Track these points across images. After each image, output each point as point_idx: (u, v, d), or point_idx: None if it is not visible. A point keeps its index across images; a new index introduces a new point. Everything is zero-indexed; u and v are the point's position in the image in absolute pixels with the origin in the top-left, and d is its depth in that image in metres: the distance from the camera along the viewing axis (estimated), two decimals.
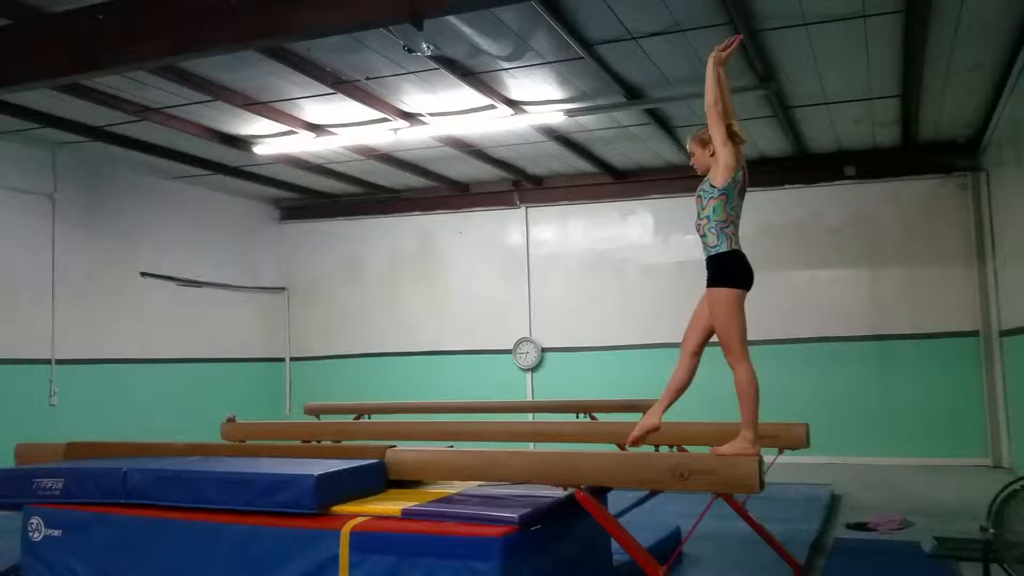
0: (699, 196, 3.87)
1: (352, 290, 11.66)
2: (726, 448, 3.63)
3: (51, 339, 8.72)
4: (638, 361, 10.30)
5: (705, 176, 3.88)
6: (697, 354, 3.95)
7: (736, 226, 3.82)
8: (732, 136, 3.85)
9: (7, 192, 8.42)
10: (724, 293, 3.75)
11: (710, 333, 3.88)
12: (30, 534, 3.91)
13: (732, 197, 3.79)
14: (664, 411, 3.92)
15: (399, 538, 3.16)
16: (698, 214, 3.85)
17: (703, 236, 3.82)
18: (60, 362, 8.78)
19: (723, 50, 4.02)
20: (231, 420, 6.70)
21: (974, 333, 9.19)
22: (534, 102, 7.67)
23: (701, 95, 7.47)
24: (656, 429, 3.92)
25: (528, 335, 10.94)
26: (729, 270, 3.77)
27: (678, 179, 10.27)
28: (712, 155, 3.86)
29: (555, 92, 7.42)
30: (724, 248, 3.76)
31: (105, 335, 9.33)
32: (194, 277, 10.52)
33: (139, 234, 9.89)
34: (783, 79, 7.16)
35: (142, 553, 3.66)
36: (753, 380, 3.75)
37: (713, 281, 3.79)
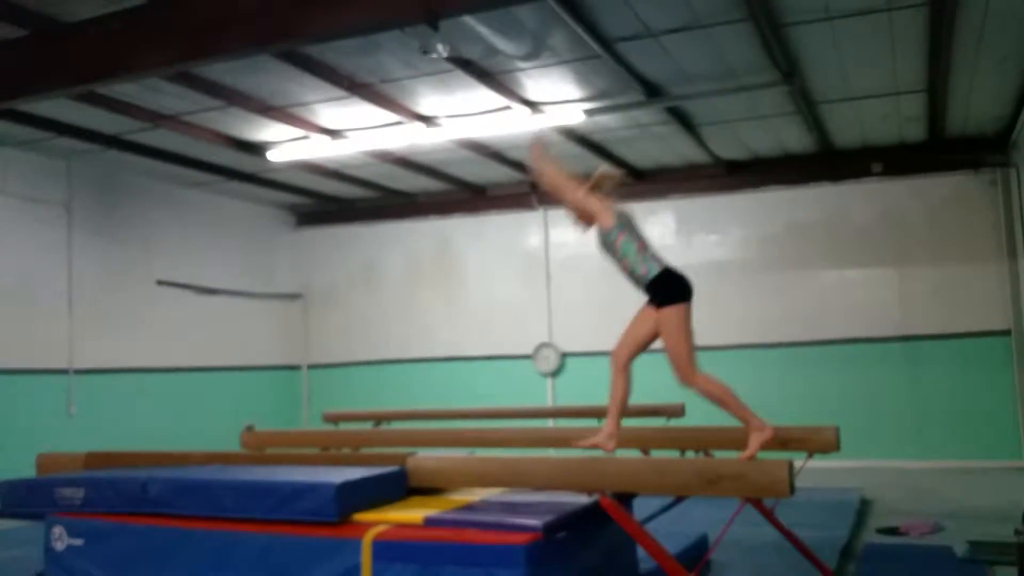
0: (603, 247, 4.02)
1: (369, 296, 11.62)
2: (749, 449, 3.65)
3: (68, 348, 8.73)
4: (660, 365, 10.10)
5: (594, 226, 4.02)
6: (628, 367, 4.13)
7: (651, 247, 3.97)
8: (598, 185, 4.02)
9: (23, 202, 8.45)
10: (673, 311, 3.86)
11: (642, 349, 4.05)
12: (53, 543, 3.93)
13: (628, 226, 3.95)
14: (617, 428, 4.07)
15: (422, 546, 3.11)
16: (617, 261, 3.99)
17: (632, 273, 3.96)
18: (78, 372, 8.79)
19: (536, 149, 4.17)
20: (250, 429, 6.66)
21: (1006, 332, 9.02)
22: (552, 102, 7.60)
23: (723, 92, 7.43)
24: (610, 450, 4.01)
25: (548, 340, 10.85)
26: (671, 288, 3.89)
27: (700, 178, 10.18)
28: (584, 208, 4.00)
29: (573, 91, 7.34)
30: (656, 271, 3.90)
31: (122, 344, 9.34)
32: (210, 285, 10.52)
33: (155, 242, 9.90)
34: (807, 75, 7.05)
35: (163, 562, 3.66)
36: (720, 383, 3.83)
37: (659, 301, 3.91)
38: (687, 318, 3.86)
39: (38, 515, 4.07)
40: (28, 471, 4.67)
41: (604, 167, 4.12)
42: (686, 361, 3.84)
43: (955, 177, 9.32)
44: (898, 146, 9.41)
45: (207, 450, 4.72)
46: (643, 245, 3.92)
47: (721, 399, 3.79)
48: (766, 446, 3.62)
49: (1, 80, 5.84)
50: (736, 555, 4.98)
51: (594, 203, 3.94)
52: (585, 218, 4.02)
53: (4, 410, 8.09)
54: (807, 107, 7.84)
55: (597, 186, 4.00)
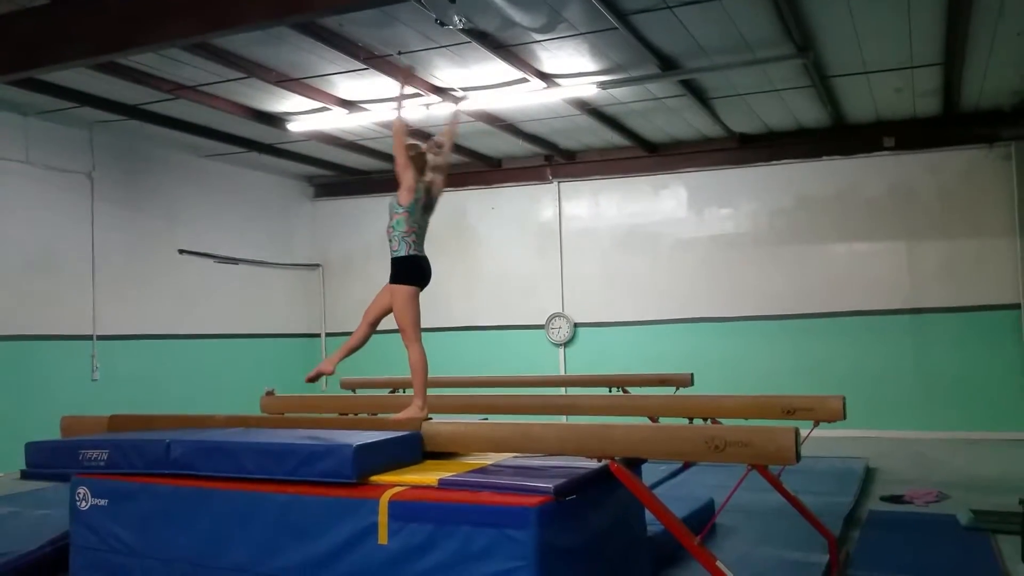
0: (389, 207, 4.54)
1: (385, 267, 11.61)
2: (401, 415, 4.26)
3: (92, 315, 8.90)
4: (671, 335, 10.28)
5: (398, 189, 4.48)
6: (374, 324, 4.67)
7: (419, 235, 4.52)
8: (421, 163, 4.51)
9: (47, 171, 8.57)
10: (401, 289, 4.46)
11: (384, 313, 4.60)
12: (78, 503, 4.00)
13: (415, 213, 4.48)
14: (339, 362, 4.67)
15: (436, 507, 3.19)
16: (388, 223, 4.53)
17: (389, 241, 4.52)
18: (101, 338, 8.96)
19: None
20: (270, 393, 6.80)
21: (1015, 306, 9.04)
22: (567, 75, 7.62)
23: (737, 65, 7.43)
24: (329, 374, 4.73)
25: (561, 310, 10.94)
26: (407, 272, 4.48)
27: (713, 151, 10.19)
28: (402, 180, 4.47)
29: (588, 64, 7.36)
30: (403, 253, 4.47)
31: (145, 311, 9.50)
32: (230, 254, 10.65)
33: (176, 212, 10.03)
34: (822, 48, 7.03)
35: (185, 521, 3.73)
36: (423, 359, 4.44)
37: (394, 279, 4.50)
38: (414, 298, 4.48)
39: (63, 476, 4.13)
40: (53, 434, 4.72)
41: (434, 139, 4.64)
42: (410, 330, 4.44)
43: (968, 152, 9.28)
44: (911, 120, 9.37)
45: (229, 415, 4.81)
46: (412, 231, 4.47)
47: (418, 371, 4.43)
48: (411, 424, 3.99)
49: (22, 49, 5.89)
50: (742, 519, 5.08)
51: (408, 178, 4.44)
52: (398, 184, 4.50)
53: (30, 375, 8.29)
54: (821, 80, 7.83)
55: (421, 158, 4.50)
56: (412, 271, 4.49)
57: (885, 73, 7.76)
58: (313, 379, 4.73)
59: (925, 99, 8.63)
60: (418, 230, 4.52)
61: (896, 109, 9.02)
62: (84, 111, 8.27)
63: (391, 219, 4.51)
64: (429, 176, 4.59)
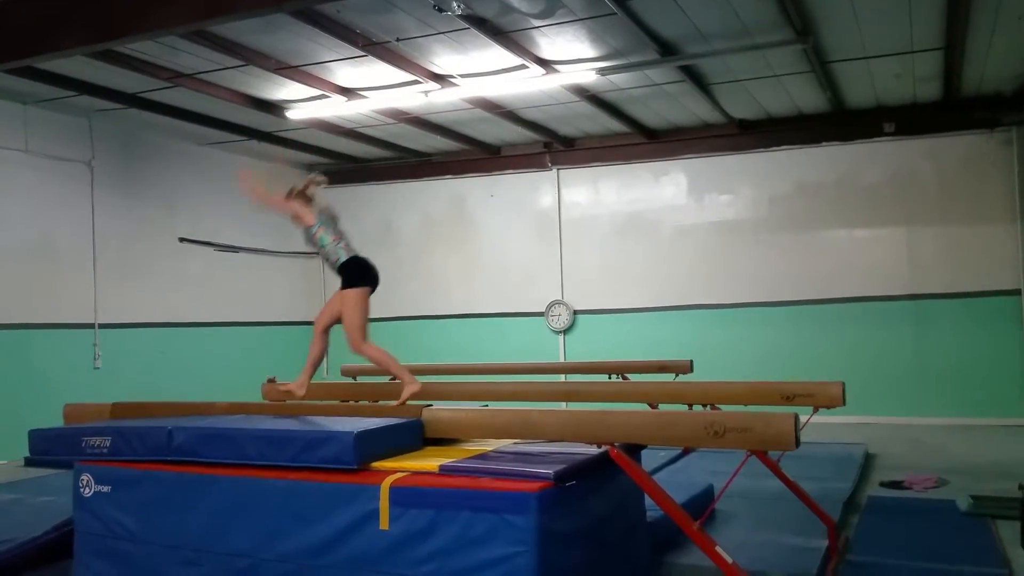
0: (307, 242, 4.79)
1: (385, 254, 11.54)
2: (401, 397, 4.49)
3: (93, 304, 8.92)
4: (670, 322, 10.29)
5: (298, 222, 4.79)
6: (327, 332, 4.82)
7: (347, 239, 4.74)
8: (305, 191, 4.82)
9: (46, 160, 8.57)
10: (353, 292, 4.62)
11: (335, 321, 4.74)
12: (81, 490, 4.01)
13: (327, 222, 4.72)
14: (308, 381, 4.88)
15: (437, 493, 3.21)
16: (318, 251, 4.75)
17: (328, 260, 4.72)
18: (103, 326, 8.98)
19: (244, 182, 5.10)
20: (271, 381, 6.81)
21: (1015, 292, 9.04)
22: (566, 61, 7.60)
23: (737, 51, 7.42)
24: (301, 397, 4.86)
25: (560, 297, 10.96)
26: (357, 274, 4.65)
27: (713, 138, 10.18)
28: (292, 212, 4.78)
29: (587, 50, 7.34)
30: (344, 258, 4.65)
31: (146, 299, 9.52)
32: (231, 242, 10.65)
33: (176, 200, 10.03)
34: (821, 33, 7.02)
35: (187, 508, 3.74)
36: (381, 351, 4.65)
37: (345, 284, 4.65)
38: (364, 299, 4.64)
39: (66, 463, 4.14)
40: (56, 422, 4.73)
41: (312, 175, 4.96)
42: (356, 334, 4.60)
43: (969, 137, 9.27)
44: (911, 105, 9.36)
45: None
46: (338, 237, 4.70)
47: (382, 362, 4.64)
48: (415, 397, 4.38)
49: (20, 37, 5.89)
50: (741, 505, 5.10)
51: (297, 206, 4.72)
52: (295, 219, 4.76)
53: (32, 363, 8.31)
54: (821, 66, 7.81)
55: (303, 193, 4.78)
56: (361, 272, 4.67)
57: (885, 58, 7.74)
58: (283, 396, 4.98)
59: (925, 84, 8.61)
60: (343, 234, 4.76)
61: (896, 94, 9.00)
62: (83, 99, 8.26)
63: (314, 243, 4.74)
64: (322, 203, 4.89)
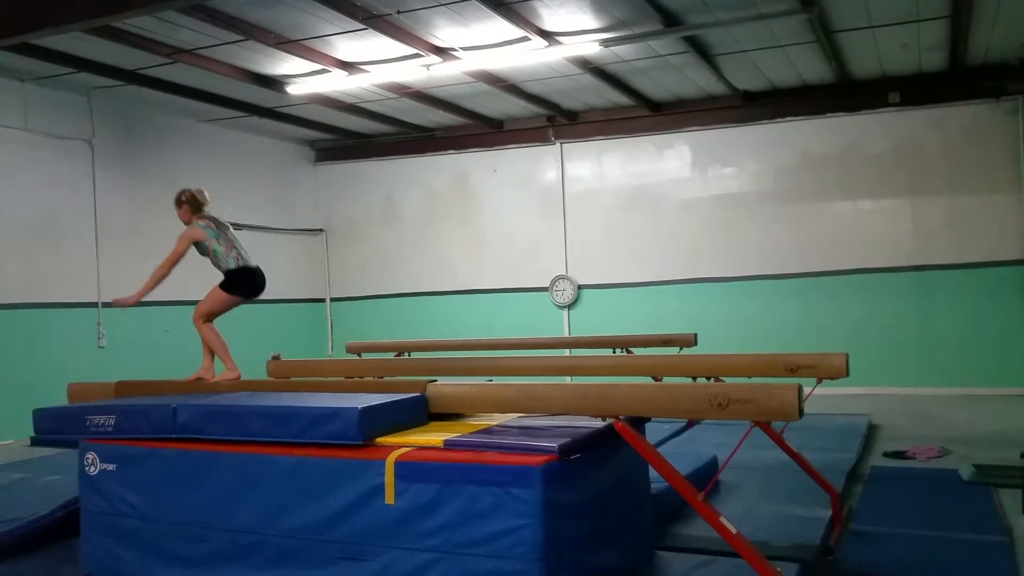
0: (198, 251, 5.15)
1: (389, 230, 11.70)
2: (216, 378, 4.91)
3: (97, 283, 8.92)
4: (674, 296, 10.28)
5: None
6: (208, 322, 5.27)
7: (239, 248, 5.14)
8: (196, 204, 5.22)
9: (47, 138, 8.54)
10: (223, 293, 5.12)
11: (226, 308, 5.22)
12: (86, 468, 4.03)
13: (217, 234, 5.09)
14: (213, 360, 5.21)
15: (442, 467, 3.21)
16: (211, 259, 5.12)
17: (218, 267, 5.10)
18: (107, 305, 8.98)
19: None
20: (276, 358, 6.84)
21: (1020, 262, 9.01)
22: (569, 32, 7.53)
23: (741, 20, 7.34)
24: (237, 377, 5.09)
25: (564, 272, 10.94)
26: (236, 282, 5.11)
27: (717, 110, 10.11)
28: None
29: (590, 21, 7.27)
30: (232, 266, 5.07)
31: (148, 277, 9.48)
32: (233, 220, 10.56)
33: (177, 177, 9.93)
34: (826, 2, 6.94)
35: (193, 485, 3.76)
36: (215, 333, 5.19)
37: (223, 286, 5.12)
38: (230, 304, 5.18)
39: (71, 442, 4.19)
40: (61, 401, 4.75)
41: (191, 189, 5.24)
42: (203, 312, 5.16)
43: (974, 107, 9.19)
44: (917, 75, 9.28)
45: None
46: (230, 248, 5.08)
47: (212, 342, 5.11)
48: (232, 386, 4.59)
49: (16, 13, 5.84)
50: (745, 476, 5.12)
51: (185, 215, 5.21)
52: (190, 238, 5.11)
53: (37, 342, 8.33)
54: (825, 36, 7.73)
55: (195, 198, 5.18)
56: (242, 282, 5.09)
57: (891, 27, 7.66)
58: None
59: (931, 54, 8.52)
60: (236, 244, 5.09)
61: (901, 64, 8.91)
62: (82, 77, 8.21)
63: (208, 254, 5.08)
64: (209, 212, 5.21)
